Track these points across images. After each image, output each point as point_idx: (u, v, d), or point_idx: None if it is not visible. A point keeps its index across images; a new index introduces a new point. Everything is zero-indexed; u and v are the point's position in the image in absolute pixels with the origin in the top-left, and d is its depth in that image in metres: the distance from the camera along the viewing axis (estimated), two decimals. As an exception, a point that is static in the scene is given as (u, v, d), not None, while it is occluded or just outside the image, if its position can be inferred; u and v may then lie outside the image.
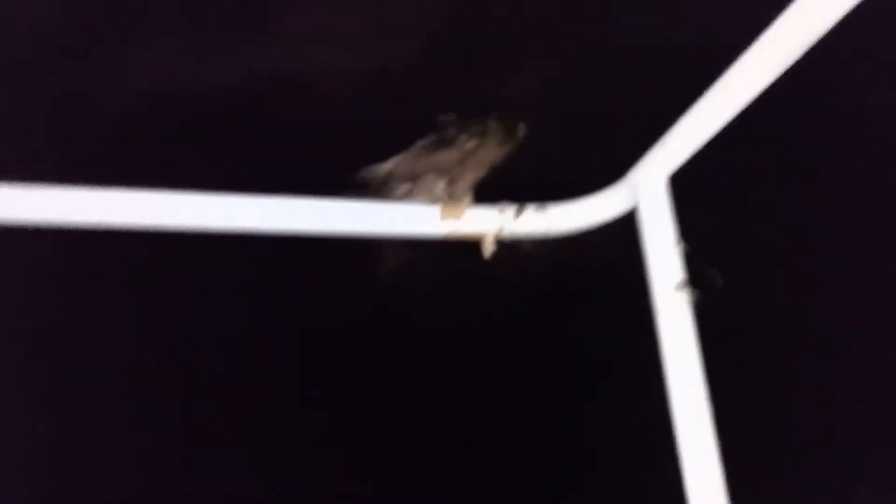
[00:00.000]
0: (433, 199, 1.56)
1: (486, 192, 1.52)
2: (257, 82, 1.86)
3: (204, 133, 1.83)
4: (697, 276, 1.25)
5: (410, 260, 1.69)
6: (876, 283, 1.60)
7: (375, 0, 1.90)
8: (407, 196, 1.59)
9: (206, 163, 1.81)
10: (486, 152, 1.54)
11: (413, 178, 1.58)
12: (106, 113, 1.84)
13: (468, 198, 1.55)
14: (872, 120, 1.73)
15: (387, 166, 1.61)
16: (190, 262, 1.67)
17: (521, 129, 1.54)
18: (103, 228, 1.43)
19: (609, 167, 1.43)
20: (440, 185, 1.55)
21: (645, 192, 1.36)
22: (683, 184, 1.34)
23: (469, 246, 1.53)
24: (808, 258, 1.58)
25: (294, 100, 1.84)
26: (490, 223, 1.51)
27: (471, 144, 1.53)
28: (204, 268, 1.69)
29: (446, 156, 1.55)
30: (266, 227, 1.45)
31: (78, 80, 1.85)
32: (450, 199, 1.54)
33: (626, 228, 1.39)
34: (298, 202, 1.44)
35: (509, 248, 1.52)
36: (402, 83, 1.81)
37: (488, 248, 1.50)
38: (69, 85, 1.84)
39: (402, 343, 1.67)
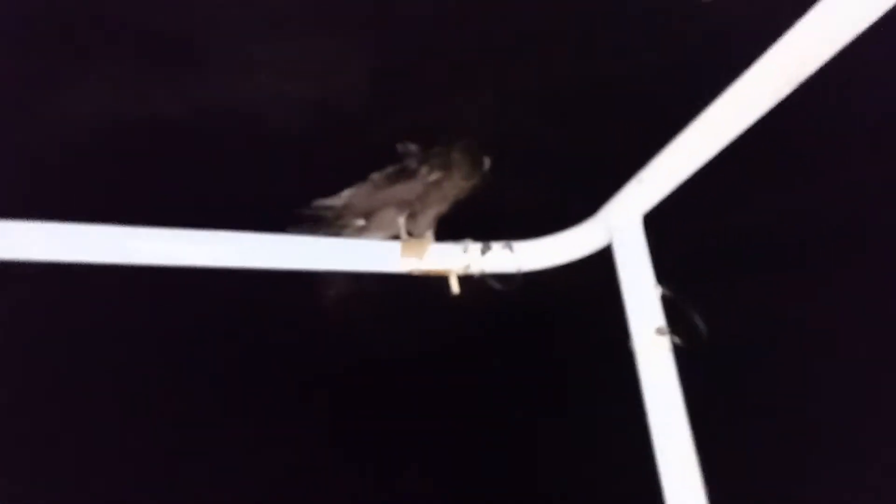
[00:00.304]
0: (392, 235, 1.46)
1: (451, 228, 1.43)
2: (205, 114, 1.78)
3: (152, 166, 1.74)
4: (679, 321, 1.18)
5: (361, 291, 1.61)
6: (857, 316, 1.60)
7: (330, 30, 1.81)
8: (364, 231, 1.49)
9: (155, 196, 1.71)
10: (450, 185, 1.45)
11: (371, 211, 1.47)
12: (52, 147, 1.74)
13: (430, 233, 1.46)
14: (855, 153, 1.73)
15: (342, 199, 1.51)
16: (146, 296, 1.62)
17: (487, 162, 1.46)
18: (46, 263, 1.27)
19: (580, 203, 1.36)
20: (400, 220, 1.45)
21: (619, 229, 1.30)
22: (658, 221, 1.28)
23: (435, 279, 1.44)
24: (787, 294, 1.57)
25: (244, 131, 1.75)
26: (454, 260, 1.41)
27: (433, 177, 1.44)
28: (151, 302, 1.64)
29: (407, 188, 1.45)
30: (217, 263, 1.32)
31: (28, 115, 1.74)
32: (411, 235, 1.44)
33: (600, 266, 1.32)
34: (254, 238, 1.31)
35: (477, 282, 1.43)
36: (356, 113, 1.72)
37: (454, 286, 1.41)
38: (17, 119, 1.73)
39: (360, 374, 1.62)
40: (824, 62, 0.97)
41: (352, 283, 1.62)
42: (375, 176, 1.47)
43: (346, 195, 1.51)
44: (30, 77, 1.82)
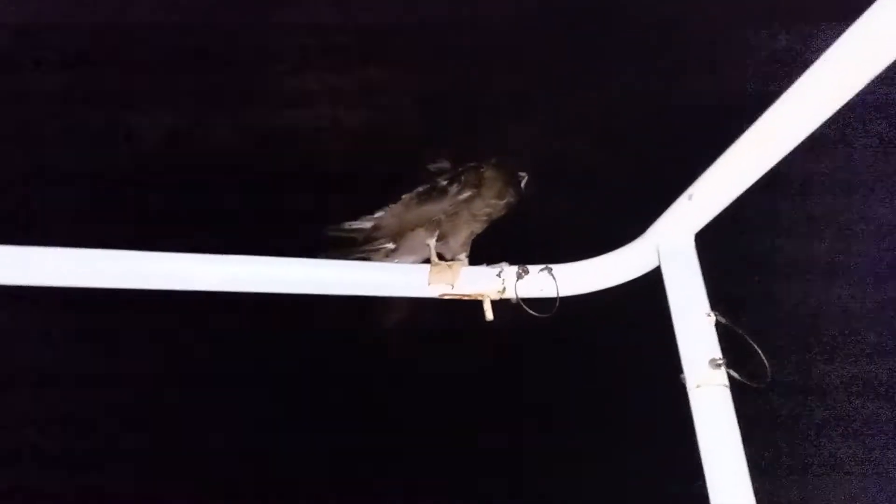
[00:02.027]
0: (423, 259, 1.38)
1: (487, 251, 1.34)
2: (260, 142, 1.76)
3: (205, 192, 1.73)
4: (736, 353, 1.05)
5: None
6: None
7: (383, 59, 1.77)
8: (393, 254, 1.41)
9: (205, 223, 1.70)
10: (482, 204, 1.35)
11: (400, 233, 1.39)
12: (107, 174, 1.73)
13: (464, 256, 1.37)
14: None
15: (371, 221, 1.43)
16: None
17: (523, 179, 1.36)
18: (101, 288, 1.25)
19: (626, 223, 1.24)
20: (430, 242, 1.36)
21: (668, 250, 1.18)
22: (712, 242, 1.16)
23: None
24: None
25: (297, 159, 1.72)
26: (488, 285, 1.32)
27: (464, 195, 1.35)
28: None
29: (436, 207, 1.36)
30: (245, 288, 1.26)
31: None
32: (442, 258, 1.35)
33: (647, 290, 1.20)
34: (283, 263, 1.25)
35: (514, 308, 1.32)
36: (409, 141, 1.67)
37: (488, 313, 1.31)
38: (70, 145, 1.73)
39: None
40: (883, 69, 0.87)
41: (412, 307, 1.54)
42: (405, 196, 1.39)
43: (376, 216, 1.44)
44: (88, 98, 1.81)
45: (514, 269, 1.31)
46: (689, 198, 1.12)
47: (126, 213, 1.74)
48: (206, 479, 1.78)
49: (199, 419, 1.76)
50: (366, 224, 1.46)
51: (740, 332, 1.06)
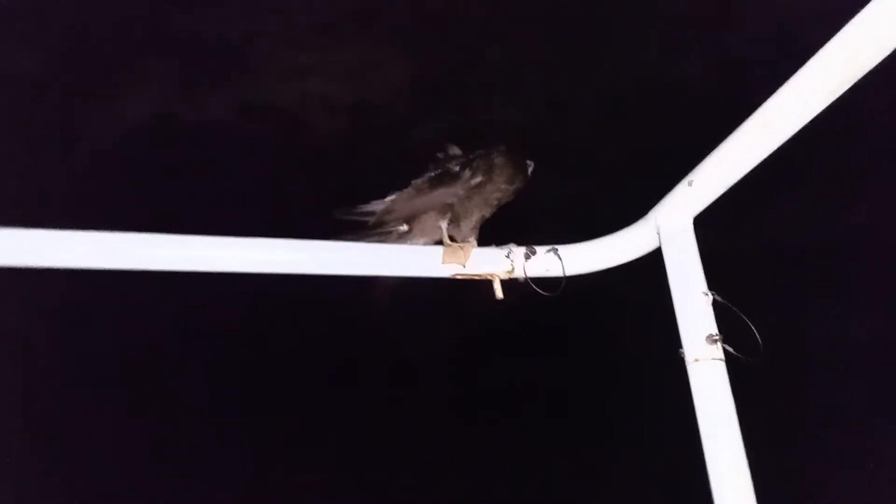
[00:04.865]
0: (435, 240, 1.44)
1: (496, 232, 1.41)
2: (253, 118, 1.79)
3: (201, 170, 1.77)
4: (730, 329, 1.13)
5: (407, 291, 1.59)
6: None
7: (376, 34, 1.80)
8: (407, 236, 1.47)
9: (203, 200, 1.74)
10: (492, 189, 1.42)
11: (413, 216, 1.46)
12: (99, 152, 1.77)
13: (473, 238, 1.44)
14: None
15: (384, 204, 1.49)
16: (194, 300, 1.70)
17: (530, 166, 1.42)
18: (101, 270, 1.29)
19: (628, 206, 1.31)
20: (442, 225, 1.43)
21: (668, 232, 1.25)
22: (709, 225, 1.23)
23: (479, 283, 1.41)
24: (847, 303, 1.49)
25: (290, 134, 1.76)
26: (498, 265, 1.39)
27: (475, 180, 1.41)
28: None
29: (448, 192, 1.42)
30: (264, 269, 1.32)
31: (71, 121, 1.78)
32: (453, 240, 1.42)
33: (649, 270, 1.28)
34: (300, 245, 1.31)
35: (522, 287, 1.40)
36: (402, 116, 1.71)
37: (498, 291, 1.38)
38: (58, 126, 1.77)
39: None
40: (879, 61, 0.93)
41: (396, 281, 1.60)
42: (417, 181, 1.45)
43: (388, 200, 1.50)
44: (79, 83, 1.84)
45: (522, 249, 1.38)
46: (689, 184, 1.19)
47: (129, 198, 1.79)
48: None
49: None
50: (377, 207, 1.51)
51: (735, 309, 1.13)
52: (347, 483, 1.69)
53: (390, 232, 1.48)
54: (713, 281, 1.20)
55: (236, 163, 1.79)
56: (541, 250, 1.37)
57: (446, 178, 1.42)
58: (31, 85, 1.80)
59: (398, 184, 1.50)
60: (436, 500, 1.62)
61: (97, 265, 1.24)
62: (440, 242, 1.41)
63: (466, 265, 1.36)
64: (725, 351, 1.14)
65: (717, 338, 1.13)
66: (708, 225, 1.24)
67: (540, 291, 1.37)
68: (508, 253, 1.37)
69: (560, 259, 1.36)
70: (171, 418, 1.69)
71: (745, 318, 1.13)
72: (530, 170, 1.42)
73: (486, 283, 1.40)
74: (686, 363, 1.15)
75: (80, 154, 1.82)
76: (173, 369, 1.69)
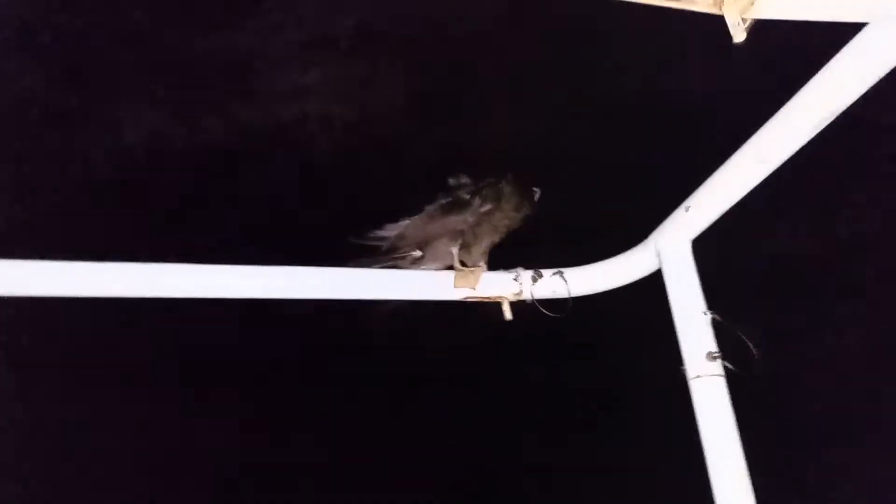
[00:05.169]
0: (446, 265, 1.51)
1: (504, 257, 1.48)
2: (253, 139, 1.81)
3: (199, 198, 1.80)
4: (729, 346, 1.19)
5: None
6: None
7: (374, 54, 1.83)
8: (419, 262, 1.54)
9: (206, 226, 1.78)
10: (501, 216, 1.49)
11: (425, 242, 1.53)
12: (96, 176, 1.78)
13: (483, 263, 1.51)
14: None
15: (396, 230, 1.56)
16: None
17: (536, 194, 1.50)
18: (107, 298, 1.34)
19: (629, 230, 1.38)
20: (453, 250, 1.50)
21: (668, 255, 1.32)
22: (707, 247, 1.30)
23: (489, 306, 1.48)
24: (840, 321, 1.55)
25: (291, 155, 1.79)
26: (506, 288, 1.46)
27: (485, 208, 1.48)
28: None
29: (459, 219, 1.50)
30: (281, 295, 1.39)
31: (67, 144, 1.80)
32: (464, 265, 1.49)
33: (650, 291, 1.34)
34: (315, 272, 1.38)
35: (530, 308, 1.46)
36: (400, 135, 1.74)
37: (507, 313, 1.45)
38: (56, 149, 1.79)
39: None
40: (865, 91, 0.99)
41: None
42: (429, 207, 1.52)
43: (401, 225, 1.56)
44: (79, 107, 1.80)
45: (530, 273, 1.46)
46: (686, 209, 1.26)
47: (127, 218, 1.80)
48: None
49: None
50: (391, 232, 1.58)
51: (732, 327, 1.20)
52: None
53: (404, 257, 1.55)
54: (712, 300, 1.26)
55: (238, 185, 1.80)
56: (547, 273, 1.44)
57: (457, 206, 1.49)
58: (24, 104, 1.76)
59: (403, 206, 1.55)
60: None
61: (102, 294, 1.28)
62: (451, 267, 1.49)
63: (477, 288, 1.44)
64: (725, 368, 1.21)
65: (717, 355, 1.20)
66: (706, 245, 1.31)
67: (547, 313, 1.44)
68: (516, 276, 1.45)
69: (566, 281, 1.43)
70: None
71: (742, 335, 1.19)
72: (537, 197, 1.50)
73: (495, 306, 1.47)
74: (688, 380, 1.22)
75: (73, 178, 1.80)
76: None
